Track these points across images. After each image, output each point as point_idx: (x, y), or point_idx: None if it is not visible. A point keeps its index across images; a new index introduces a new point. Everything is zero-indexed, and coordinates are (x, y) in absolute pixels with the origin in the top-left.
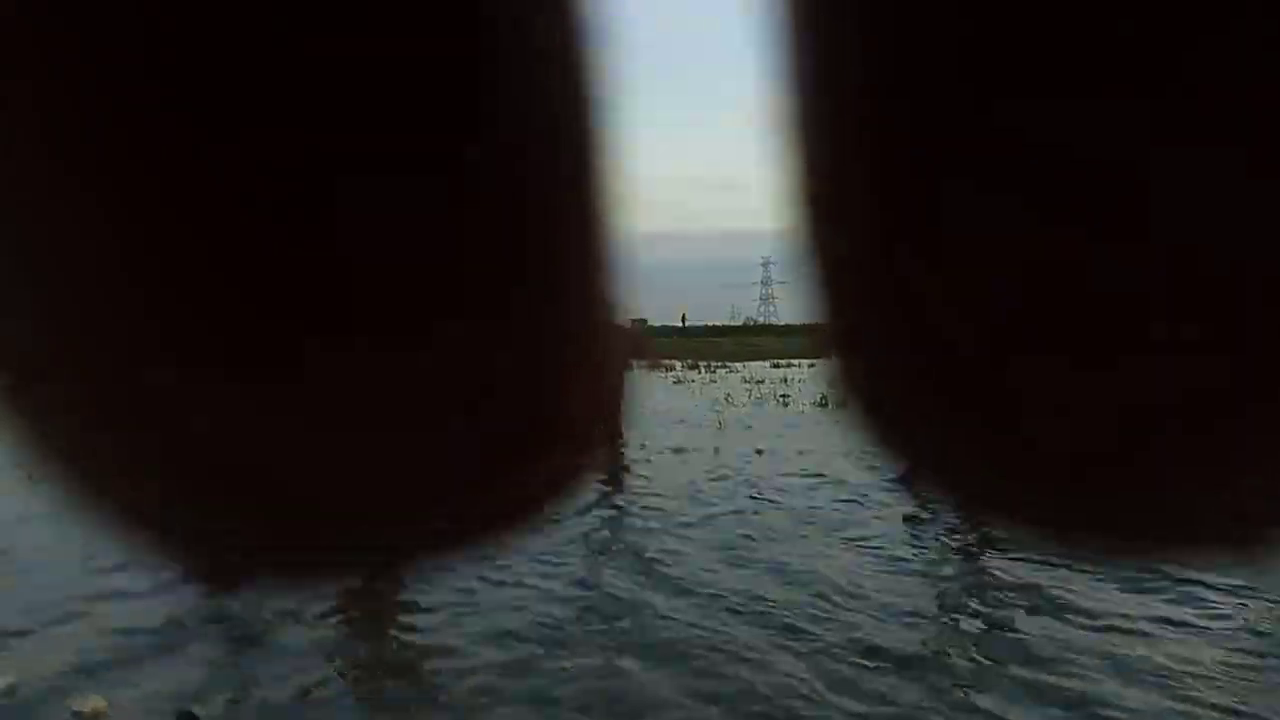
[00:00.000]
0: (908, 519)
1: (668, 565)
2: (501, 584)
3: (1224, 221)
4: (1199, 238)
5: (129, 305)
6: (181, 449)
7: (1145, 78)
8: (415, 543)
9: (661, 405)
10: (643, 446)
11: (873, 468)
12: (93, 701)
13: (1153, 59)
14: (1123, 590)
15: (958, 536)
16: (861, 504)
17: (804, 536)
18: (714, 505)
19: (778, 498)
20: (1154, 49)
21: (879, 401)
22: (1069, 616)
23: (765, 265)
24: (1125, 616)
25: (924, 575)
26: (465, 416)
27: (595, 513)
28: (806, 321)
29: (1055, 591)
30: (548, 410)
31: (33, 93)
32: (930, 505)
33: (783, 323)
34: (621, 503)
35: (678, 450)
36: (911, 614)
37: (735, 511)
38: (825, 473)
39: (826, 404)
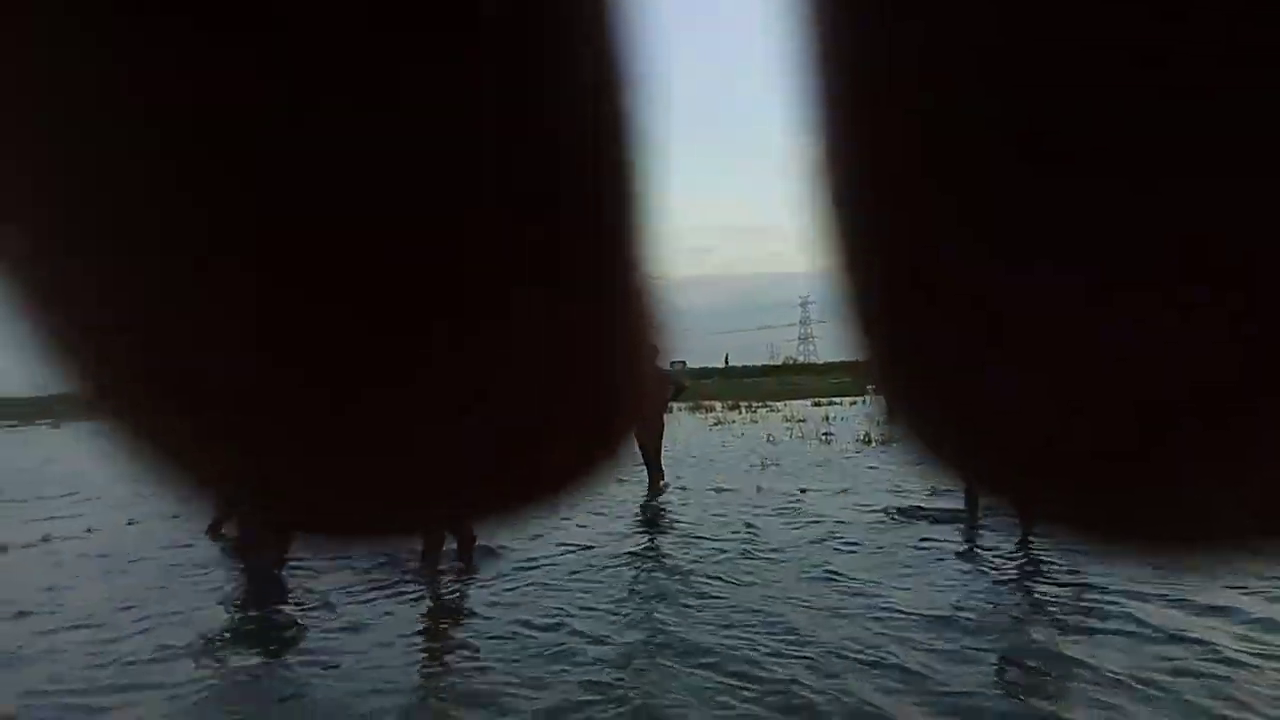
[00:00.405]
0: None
1: (694, 618)
2: (534, 638)
3: (1240, 212)
4: (1216, 229)
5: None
6: (242, 429)
7: (1167, 77)
8: (442, 513)
9: (703, 446)
10: (684, 489)
11: (918, 504)
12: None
13: (1178, 59)
14: (1174, 608)
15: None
16: (915, 547)
17: (843, 579)
18: (753, 547)
19: (824, 539)
20: (1183, 51)
21: (923, 415)
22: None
23: (803, 305)
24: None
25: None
26: (488, 405)
27: (634, 547)
28: (846, 359)
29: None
30: (566, 403)
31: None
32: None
33: (822, 361)
34: (658, 546)
35: (719, 490)
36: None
37: (765, 551)
38: (868, 506)
39: (869, 440)
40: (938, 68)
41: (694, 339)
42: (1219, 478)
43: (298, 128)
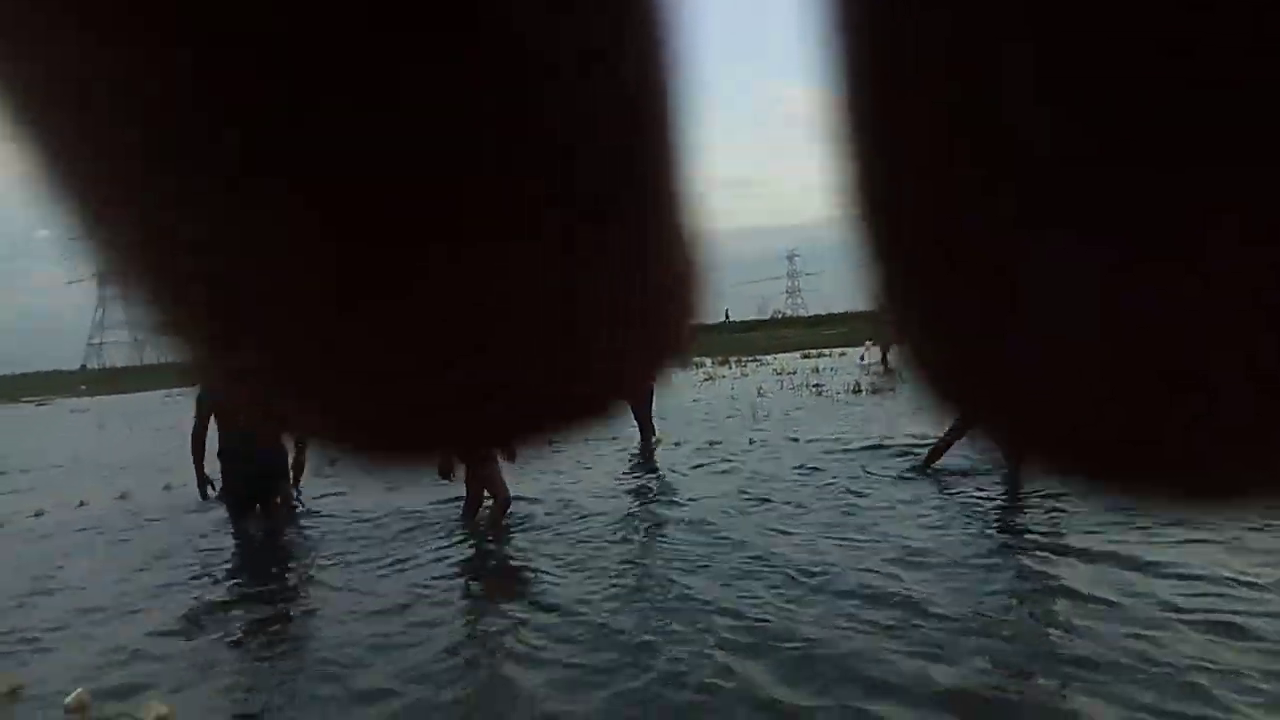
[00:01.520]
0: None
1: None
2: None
3: (1265, 187)
4: (1240, 200)
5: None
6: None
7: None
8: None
9: (695, 402)
10: (676, 444)
11: (913, 449)
12: (156, 709)
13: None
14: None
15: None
16: (900, 481)
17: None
18: (745, 495)
19: (826, 491)
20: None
21: (939, 356)
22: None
23: (790, 258)
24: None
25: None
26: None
27: (631, 507)
28: (832, 312)
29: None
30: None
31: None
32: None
33: (810, 314)
34: (656, 503)
35: (713, 444)
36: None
37: (763, 499)
38: (857, 447)
39: (860, 390)
40: (965, 59)
41: None
42: (1245, 453)
43: (297, 128)
